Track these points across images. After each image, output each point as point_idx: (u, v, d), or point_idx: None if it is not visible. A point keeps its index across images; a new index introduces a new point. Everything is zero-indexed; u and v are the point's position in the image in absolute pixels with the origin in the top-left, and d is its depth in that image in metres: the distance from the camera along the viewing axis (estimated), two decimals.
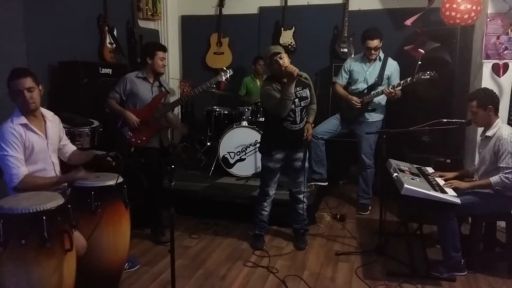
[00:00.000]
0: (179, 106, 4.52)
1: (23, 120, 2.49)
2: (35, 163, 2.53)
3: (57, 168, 2.69)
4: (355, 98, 4.14)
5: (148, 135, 3.57)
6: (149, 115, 3.55)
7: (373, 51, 4.08)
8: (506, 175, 2.85)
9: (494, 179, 2.90)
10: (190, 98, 3.92)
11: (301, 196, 3.50)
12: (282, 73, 3.16)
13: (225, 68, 3.91)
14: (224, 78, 3.85)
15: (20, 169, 2.42)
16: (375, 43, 4.03)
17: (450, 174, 3.26)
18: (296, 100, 3.26)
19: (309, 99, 3.37)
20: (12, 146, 2.40)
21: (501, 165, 2.89)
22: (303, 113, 3.34)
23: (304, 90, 3.33)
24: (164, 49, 3.63)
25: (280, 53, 3.19)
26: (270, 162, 3.39)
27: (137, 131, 3.53)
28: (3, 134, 2.41)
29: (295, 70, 3.07)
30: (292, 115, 3.28)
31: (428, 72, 3.71)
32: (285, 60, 3.17)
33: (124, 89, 3.51)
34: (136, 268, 3.15)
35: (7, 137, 2.40)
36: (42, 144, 2.57)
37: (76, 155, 2.85)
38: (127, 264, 3.07)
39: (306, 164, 3.46)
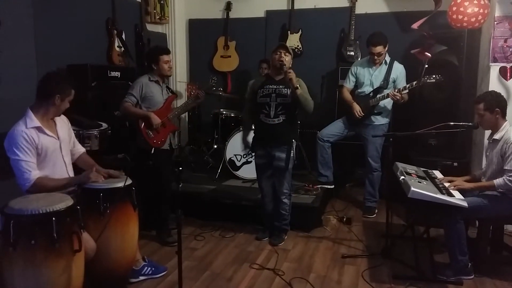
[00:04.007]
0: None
1: (36, 123, 2.49)
2: (48, 165, 2.56)
3: (70, 167, 2.72)
4: (358, 108, 4.14)
5: (166, 136, 3.63)
6: (164, 117, 3.61)
7: (376, 57, 4.09)
8: (510, 178, 2.84)
9: (497, 181, 2.89)
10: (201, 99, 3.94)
11: (282, 197, 3.60)
12: (276, 66, 3.47)
13: (213, 78, 4.10)
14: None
15: (32, 173, 2.43)
16: (378, 49, 4.04)
17: (458, 180, 3.23)
18: (273, 95, 3.48)
19: (288, 98, 3.47)
20: (24, 151, 2.41)
21: (506, 168, 2.88)
22: (279, 109, 3.46)
23: (286, 88, 3.47)
24: (167, 51, 3.66)
25: (286, 49, 3.45)
26: (255, 158, 3.71)
27: (157, 133, 3.57)
28: (15, 138, 2.42)
29: (289, 73, 3.35)
30: (267, 108, 3.49)
31: (434, 76, 3.71)
32: (286, 59, 3.44)
33: (140, 93, 3.54)
34: (160, 275, 3.07)
35: (19, 141, 2.41)
36: (55, 145, 2.60)
37: (83, 160, 2.87)
38: (148, 268, 3.04)
39: (290, 165, 3.52)
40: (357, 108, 4.15)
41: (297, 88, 3.32)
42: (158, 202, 3.64)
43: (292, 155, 3.50)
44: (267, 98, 3.50)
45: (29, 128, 2.46)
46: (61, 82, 2.59)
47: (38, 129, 2.50)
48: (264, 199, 3.76)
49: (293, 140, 3.51)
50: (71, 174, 2.73)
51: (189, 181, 4.65)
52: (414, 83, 3.83)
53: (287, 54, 3.45)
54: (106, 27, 4.54)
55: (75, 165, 2.83)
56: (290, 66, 3.48)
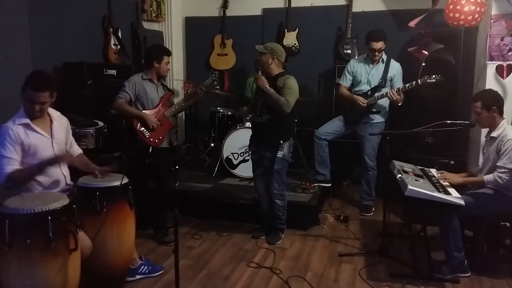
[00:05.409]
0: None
1: (25, 120, 2.49)
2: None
3: (64, 166, 2.69)
4: (361, 98, 4.11)
5: (163, 134, 3.62)
6: (161, 115, 3.59)
7: (377, 53, 4.08)
8: (500, 175, 2.86)
9: (487, 177, 2.91)
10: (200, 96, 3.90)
11: (274, 197, 3.61)
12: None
13: (214, 73, 4.06)
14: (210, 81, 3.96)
15: (7, 168, 2.41)
16: (379, 44, 4.04)
17: (449, 174, 3.24)
18: (262, 93, 3.48)
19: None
20: (7, 147, 2.41)
21: (498, 164, 2.89)
22: (264, 107, 3.48)
23: (271, 87, 3.45)
24: (169, 53, 3.72)
25: (259, 53, 3.45)
26: (251, 154, 3.78)
27: (154, 131, 3.55)
28: (0, 134, 2.42)
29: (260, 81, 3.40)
30: (256, 106, 3.55)
31: (434, 76, 3.70)
32: (264, 60, 3.43)
33: (134, 90, 3.52)
34: (157, 274, 3.06)
35: (4, 137, 2.42)
36: (46, 143, 2.58)
37: (81, 161, 2.83)
38: (145, 267, 3.03)
39: (276, 166, 3.50)
40: (360, 98, 4.11)
41: (266, 88, 3.36)
42: (155, 200, 3.63)
43: (281, 155, 3.46)
44: (257, 96, 3.55)
45: (16, 124, 2.46)
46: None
47: (26, 126, 2.49)
48: (260, 196, 3.75)
49: (281, 141, 3.44)
50: (66, 173, 2.71)
51: (186, 179, 4.64)
52: (414, 82, 3.83)
53: (262, 55, 3.45)
54: (102, 25, 4.51)
55: (72, 167, 2.78)
56: (271, 63, 3.44)
